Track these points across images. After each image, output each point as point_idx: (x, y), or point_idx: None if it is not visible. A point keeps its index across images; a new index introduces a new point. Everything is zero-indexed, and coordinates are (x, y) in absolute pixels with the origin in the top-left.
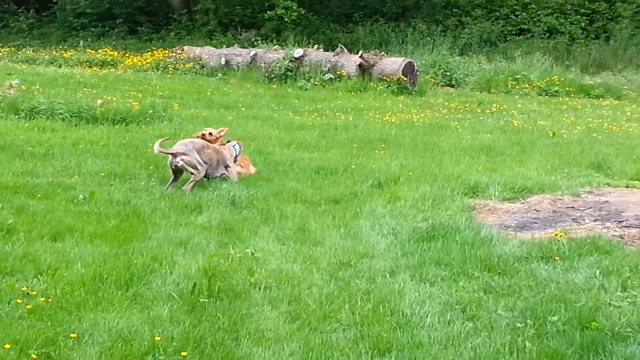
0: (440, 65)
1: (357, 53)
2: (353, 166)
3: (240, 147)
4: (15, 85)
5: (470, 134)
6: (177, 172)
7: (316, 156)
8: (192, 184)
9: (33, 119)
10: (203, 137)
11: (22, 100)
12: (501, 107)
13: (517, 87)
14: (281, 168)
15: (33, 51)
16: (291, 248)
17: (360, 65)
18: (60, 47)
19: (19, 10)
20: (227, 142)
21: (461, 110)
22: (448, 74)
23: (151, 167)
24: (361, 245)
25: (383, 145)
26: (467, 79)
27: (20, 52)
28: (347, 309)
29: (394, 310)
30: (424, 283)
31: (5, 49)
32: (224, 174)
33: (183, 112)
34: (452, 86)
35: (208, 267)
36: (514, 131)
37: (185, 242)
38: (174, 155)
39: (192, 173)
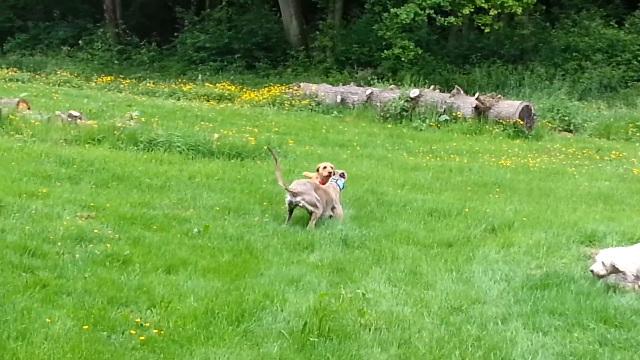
0: (558, 110)
1: (474, 95)
2: (467, 209)
3: (344, 179)
4: (135, 117)
5: (587, 181)
6: (292, 209)
7: (429, 198)
8: (314, 221)
9: (151, 150)
10: (319, 170)
11: (142, 132)
12: (621, 155)
13: (638, 134)
14: (394, 209)
15: (153, 83)
16: (402, 290)
17: (476, 108)
18: (180, 80)
19: (141, 43)
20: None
21: (579, 157)
22: (566, 118)
23: (265, 203)
24: (473, 291)
25: (497, 189)
26: (585, 125)
27: (140, 84)
28: (457, 354)
29: (505, 358)
30: (537, 332)
31: (127, 81)
32: (331, 215)
33: (298, 149)
34: (570, 131)
35: (319, 307)
36: (634, 180)
37: (297, 280)
38: (294, 194)
39: (313, 212)
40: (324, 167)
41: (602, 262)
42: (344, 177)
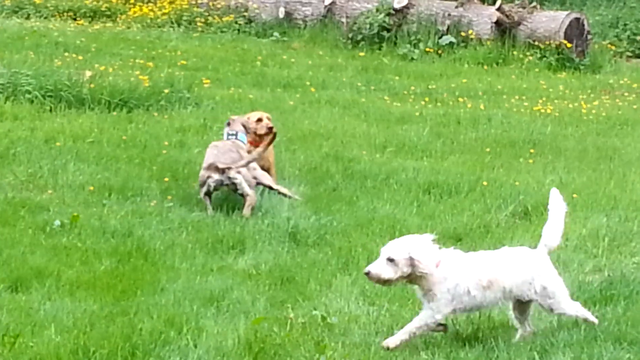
0: (626, 25)
1: (494, 3)
2: (484, 182)
3: (248, 134)
4: None
5: None
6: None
7: (426, 166)
8: (250, 207)
9: None
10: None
11: None
12: None
13: None
14: (370, 184)
15: None
16: (384, 310)
17: (498, 23)
18: None
19: None
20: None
21: None
22: (638, 38)
23: (166, 179)
24: (495, 309)
25: (532, 151)
26: None
27: None
28: None
29: None
30: None
31: None
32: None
33: (218, 93)
34: None
35: (254, 339)
36: None
37: (219, 297)
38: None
39: (249, 195)
40: (258, 120)
41: None
42: (248, 132)
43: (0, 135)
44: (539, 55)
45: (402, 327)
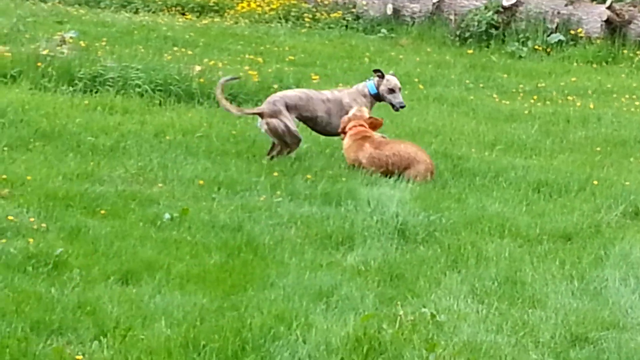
0: None
1: (604, 2)
2: (595, 182)
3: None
4: (71, 41)
5: None
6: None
7: (535, 164)
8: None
9: (96, 92)
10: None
11: (80, 63)
12: None
13: None
14: (480, 182)
15: None
16: (494, 309)
17: (608, 21)
18: None
19: None
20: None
21: None
22: None
23: (275, 174)
24: (606, 310)
25: None
26: None
27: None
28: None
29: None
30: None
31: None
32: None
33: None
34: None
35: (363, 335)
36: None
37: (328, 293)
38: (261, 115)
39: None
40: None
41: None
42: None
43: (111, 128)
44: None
45: (511, 326)
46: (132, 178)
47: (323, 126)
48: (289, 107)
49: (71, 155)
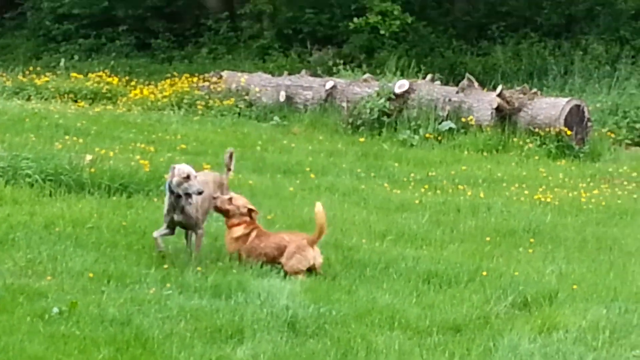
0: (626, 113)
1: (494, 89)
2: (484, 272)
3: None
4: None
5: None
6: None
7: (426, 255)
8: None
9: None
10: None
11: None
12: None
13: None
14: (370, 273)
15: None
16: None
17: (498, 109)
18: (31, 68)
19: None
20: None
21: None
22: (638, 126)
23: (165, 266)
24: None
25: (532, 240)
26: None
27: None
28: None
29: None
30: None
31: None
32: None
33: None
34: None
35: None
36: None
37: None
38: None
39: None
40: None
41: None
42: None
43: (0, 220)
44: (538, 143)
45: None
46: (21, 271)
47: None
48: None
49: None
